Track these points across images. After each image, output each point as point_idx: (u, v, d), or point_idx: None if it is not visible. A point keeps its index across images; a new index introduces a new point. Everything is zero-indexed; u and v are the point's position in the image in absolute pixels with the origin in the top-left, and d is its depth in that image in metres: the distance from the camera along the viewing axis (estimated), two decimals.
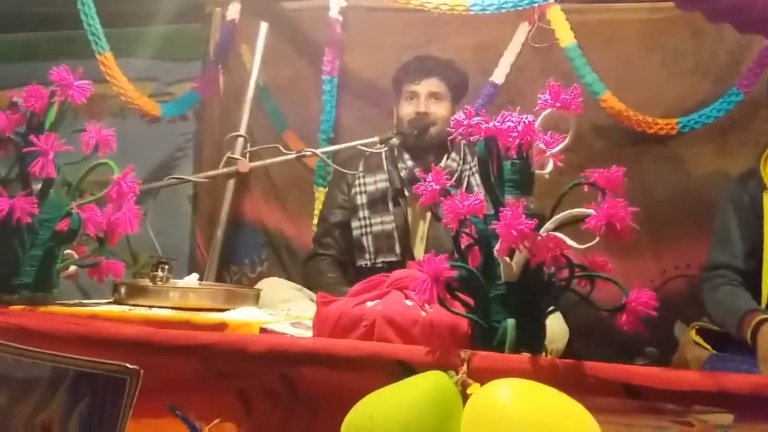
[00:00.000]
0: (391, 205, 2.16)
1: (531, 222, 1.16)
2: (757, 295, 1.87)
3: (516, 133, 1.28)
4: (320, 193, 2.57)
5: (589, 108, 2.54)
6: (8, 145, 1.46)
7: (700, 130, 2.43)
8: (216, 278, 2.61)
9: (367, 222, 2.16)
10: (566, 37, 2.54)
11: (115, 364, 1.20)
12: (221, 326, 1.35)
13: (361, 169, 2.23)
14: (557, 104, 1.29)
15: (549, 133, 1.35)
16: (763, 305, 1.86)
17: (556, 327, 1.94)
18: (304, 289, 2.09)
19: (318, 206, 2.55)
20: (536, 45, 2.62)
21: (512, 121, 1.29)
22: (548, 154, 1.33)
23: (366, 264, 2.12)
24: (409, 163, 2.20)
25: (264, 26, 2.56)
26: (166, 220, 2.98)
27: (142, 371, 1.15)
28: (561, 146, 1.32)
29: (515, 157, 1.30)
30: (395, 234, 2.11)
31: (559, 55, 2.54)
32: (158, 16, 2.94)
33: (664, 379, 1.07)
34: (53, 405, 1.23)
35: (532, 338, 1.23)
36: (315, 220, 2.52)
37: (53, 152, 1.41)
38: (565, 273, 1.24)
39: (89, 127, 1.51)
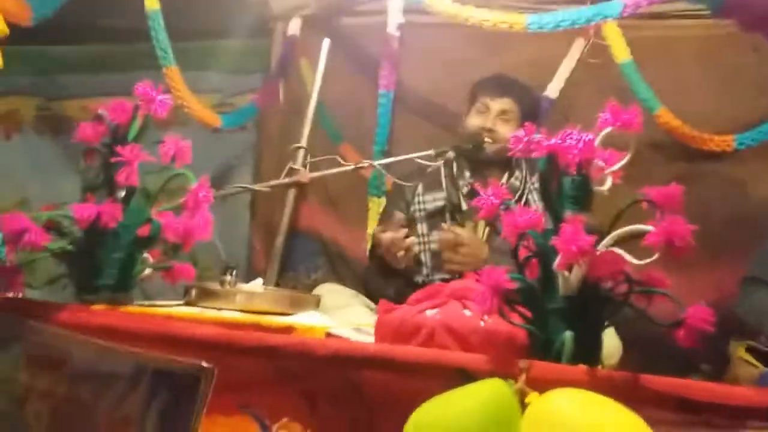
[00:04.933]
0: (449, 220, 2.19)
1: (591, 238, 1.20)
2: None
3: (576, 151, 1.32)
4: (374, 204, 2.64)
5: (645, 123, 2.57)
6: (95, 154, 1.56)
7: (756, 148, 2.42)
8: (275, 284, 2.70)
9: (426, 239, 2.20)
10: (621, 53, 2.55)
11: (191, 363, 1.27)
12: (289, 329, 1.42)
13: (420, 186, 2.26)
14: (618, 123, 1.33)
15: (608, 150, 1.38)
16: None
17: (610, 343, 1.95)
18: (360, 295, 2.14)
19: (372, 216, 2.61)
20: (591, 60, 2.65)
21: (573, 139, 1.33)
22: (607, 171, 1.36)
23: (423, 280, 2.14)
24: (470, 179, 2.23)
25: (326, 42, 2.64)
26: (225, 226, 3.10)
27: (215, 370, 1.23)
28: (621, 164, 1.36)
29: (575, 173, 1.34)
30: None
31: (614, 70, 2.56)
32: (224, 31, 3.06)
33: (718, 394, 1.10)
34: (132, 400, 1.31)
35: (588, 351, 1.27)
36: (369, 230, 2.59)
37: (137, 162, 1.50)
38: (623, 288, 1.27)
39: (167, 138, 1.60)
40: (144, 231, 1.53)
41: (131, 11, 2.55)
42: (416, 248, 2.17)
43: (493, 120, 2.20)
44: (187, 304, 1.65)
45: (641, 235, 1.23)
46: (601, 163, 1.37)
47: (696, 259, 2.43)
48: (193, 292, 1.65)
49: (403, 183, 2.26)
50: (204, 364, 1.25)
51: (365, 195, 2.76)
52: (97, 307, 1.46)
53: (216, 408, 1.26)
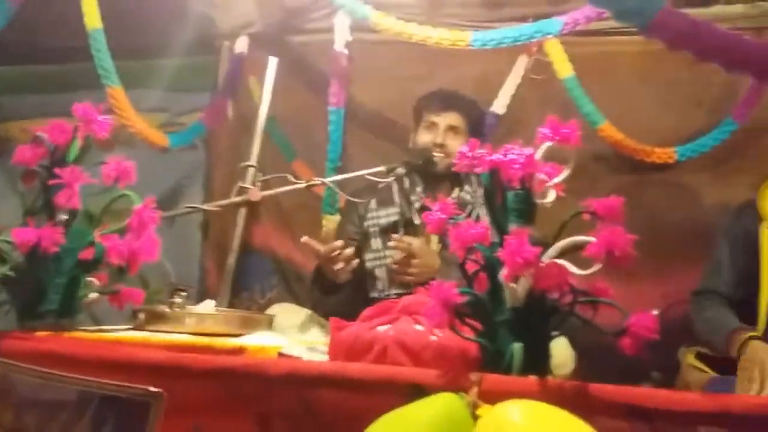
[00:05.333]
0: (402, 235, 2.20)
1: (535, 250, 1.22)
2: (750, 323, 1.94)
3: (518, 165, 1.34)
4: (328, 221, 2.63)
5: (589, 137, 2.64)
6: (33, 177, 1.53)
7: (696, 159, 2.51)
8: (228, 305, 2.67)
9: (381, 254, 2.21)
10: (564, 69, 2.62)
11: (139, 388, 1.25)
12: (240, 351, 1.41)
13: (373, 202, 2.27)
14: (557, 138, 1.37)
15: (550, 164, 1.42)
16: (760, 334, 1.93)
17: (563, 353, 1.98)
18: (314, 314, 2.14)
19: (324, 234, 2.61)
20: (535, 77, 2.71)
21: (515, 154, 1.36)
22: (550, 184, 1.40)
23: (378, 295, 2.14)
24: (422, 193, 2.25)
25: (273, 61, 2.64)
26: (177, 247, 3.06)
27: (165, 395, 1.21)
28: (561, 177, 1.39)
29: (518, 187, 1.36)
30: None
31: (558, 86, 2.62)
32: (169, 50, 3.03)
33: (667, 400, 1.12)
34: (79, 428, 1.28)
35: (538, 361, 1.29)
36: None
37: (78, 184, 1.47)
38: (569, 298, 1.30)
39: (110, 159, 1.57)
40: (87, 254, 1.50)
41: (73, 30, 2.51)
42: (370, 264, 2.18)
43: (443, 135, 2.23)
44: (136, 328, 1.63)
45: (584, 246, 1.26)
46: (543, 177, 1.41)
47: (644, 269, 2.54)
48: (142, 316, 1.62)
49: (355, 200, 2.27)
50: (152, 389, 1.23)
51: (319, 212, 2.75)
52: (41, 334, 1.43)
53: None
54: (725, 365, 1.90)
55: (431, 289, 1.27)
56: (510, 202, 1.36)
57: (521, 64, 2.73)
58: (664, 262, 2.50)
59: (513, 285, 1.27)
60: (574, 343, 1.98)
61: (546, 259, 1.29)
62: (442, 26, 2.52)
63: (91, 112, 1.54)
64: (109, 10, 2.48)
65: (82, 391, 1.29)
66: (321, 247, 1.93)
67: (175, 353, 1.30)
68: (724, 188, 2.51)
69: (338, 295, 2.09)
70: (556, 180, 1.38)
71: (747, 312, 1.96)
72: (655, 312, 1.37)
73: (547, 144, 1.40)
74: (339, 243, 1.95)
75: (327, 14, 2.80)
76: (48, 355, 1.30)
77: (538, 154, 1.39)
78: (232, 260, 2.40)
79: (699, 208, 2.55)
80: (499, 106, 2.73)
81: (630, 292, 2.50)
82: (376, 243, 2.21)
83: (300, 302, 2.49)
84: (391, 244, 2.09)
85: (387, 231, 2.22)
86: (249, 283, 2.78)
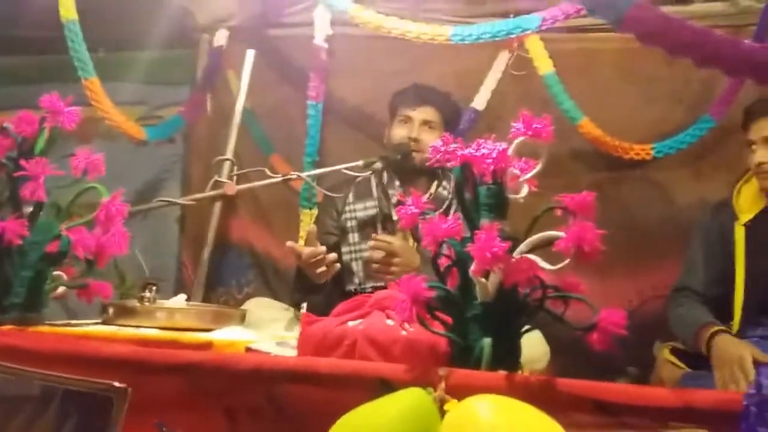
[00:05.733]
0: (380, 230, 2.19)
1: (504, 244, 1.21)
2: (726, 321, 1.95)
3: (490, 160, 1.34)
4: (305, 215, 2.62)
5: (568, 134, 2.65)
6: (0, 169, 1.50)
7: (675, 155, 2.51)
8: (203, 299, 2.65)
9: (357, 248, 2.20)
10: (544, 66, 2.62)
11: (103, 383, 1.23)
12: (207, 345, 1.39)
13: (351, 195, 2.26)
14: (529, 133, 1.36)
15: (523, 159, 1.41)
16: (734, 332, 1.94)
17: (538, 347, 1.98)
18: (291, 309, 2.12)
19: (303, 228, 2.59)
20: (516, 73, 2.71)
21: (487, 148, 1.35)
22: (522, 179, 1.39)
23: (355, 289, 2.13)
24: (399, 189, 2.24)
25: (251, 53, 2.62)
26: (154, 241, 3.03)
27: (129, 390, 1.19)
28: (534, 172, 1.38)
29: (490, 182, 1.35)
30: None
31: (538, 82, 2.62)
32: (149, 42, 3.00)
33: (634, 396, 1.12)
34: (42, 423, 1.26)
35: (507, 356, 1.28)
36: (301, 242, 2.56)
37: (43, 176, 1.45)
38: (539, 293, 1.29)
39: (79, 151, 1.55)
40: (53, 247, 1.48)
41: (50, 22, 2.48)
42: (347, 257, 2.17)
43: (418, 130, 2.22)
44: (105, 322, 1.60)
45: (555, 241, 1.25)
46: (516, 172, 1.40)
47: (620, 265, 2.55)
48: (111, 310, 1.60)
49: (332, 195, 2.25)
50: (116, 384, 1.22)
51: (297, 206, 2.74)
52: (5, 328, 1.40)
53: (132, 429, 1.22)
54: (699, 360, 1.92)
55: (401, 283, 1.26)
56: (482, 196, 1.35)
57: (502, 60, 2.73)
58: (640, 258, 2.51)
59: (483, 280, 1.27)
60: (550, 338, 1.99)
61: (517, 254, 1.29)
62: (423, 21, 2.51)
63: (58, 104, 1.51)
64: (91, 2, 2.45)
65: (45, 386, 1.27)
66: (303, 251, 1.91)
67: (141, 348, 1.28)
68: (701, 185, 2.52)
69: (320, 295, 2.08)
70: (529, 175, 1.37)
71: (723, 309, 1.97)
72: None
73: (520, 139, 1.39)
74: (322, 249, 1.93)
75: (307, 7, 2.79)
76: (11, 349, 1.28)
77: (511, 149, 1.38)
78: (206, 254, 2.37)
79: (676, 205, 2.57)
80: (480, 101, 2.73)
81: (606, 287, 2.53)
82: (353, 237, 2.20)
83: (278, 297, 2.47)
84: (371, 243, 2.08)
85: (364, 225, 2.21)
86: (227, 278, 2.77)
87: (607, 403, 1.12)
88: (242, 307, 1.99)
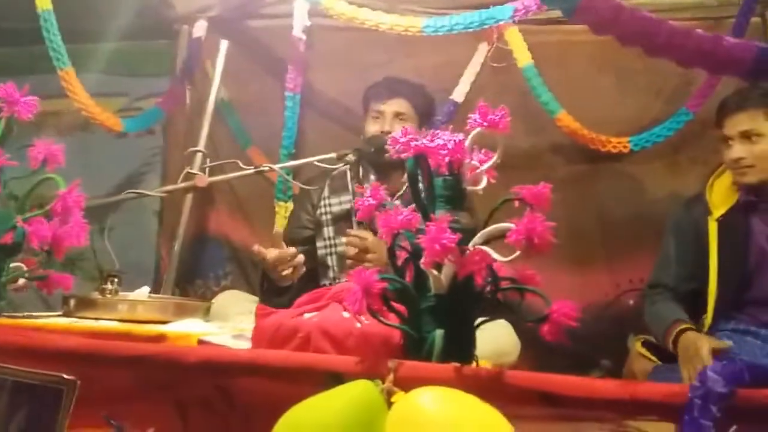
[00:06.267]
0: (355, 225, 2.18)
1: (454, 236, 1.20)
2: (699, 315, 1.94)
3: (446, 151, 1.32)
4: (280, 208, 2.61)
5: (547, 126, 2.64)
6: None
7: (651, 149, 2.50)
8: (181, 292, 2.65)
9: (332, 242, 2.18)
10: (523, 58, 2.60)
11: (52, 375, 1.23)
12: (160, 338, 1.38)
13: (326, 189, 2.24)
14: (484, 124, 1.34)
15: (483, 150, 1.40)
16: (707, 326, 1.93)
17: (508, 340, 1.97)
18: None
19: (278, 221, 2.58)
20: (495, 65, 2.69)
21: (442, 139, 1.34)
22: (480, 170, 1.38)
23: (329, 283, 2.11)
24: (375, 181, 2.22)
25: (224, 44, 2.61)
26: (134, 234, 3.03)
27: (79, 382, 1.18)
28: (491, 163, 1.37)
29: (446, 173, 1.34)
30: None
31: (517, 74, 2.61)
32: (128, 33, 3.00)
33: (579, 387, 1.11)
34: None
35: (460, 348, 1.27)
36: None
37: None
38: (492, 285, 1.28)
39: (37, 142, 1.54)
40: (8, 238, 1.47)
41: (27, 12, 2.46)
42: (322, 251, 2.16)
43: (390, 123, 2.20)
44: (65, 314, 1.59)
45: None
46: (475, 163, 1.39)
47: (597, 258, 2.55)
48: (71, 303, 1.60)
49: (307, 187, 2.24)
50: (66, 376, 1.21)
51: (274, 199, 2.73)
52: None
53: (82, 421, 1.22)
54: (671, 354, 1.91)
55: (353, 275, 1.25)
56: (437, 188, 1.34)
57: (481, 52, 2.72)
58: (615, 251, 2.51)
59: (435, 272, 1.26)
60: (521, 331, 1.98)
61: (471, 245, 1.27)
62: (395, 13, 2.49)
63: (14, 94, 1.50)
64: None
65: None
66: (268, 255, 1.88)
67: (91, 340, 1.27)
68: (677, 179, 2.52)
69: (285, 297, 2.06)
70: (486, 166, 1.36)
71: (697, 304, 1.97)
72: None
73: (477, 130, 1.37)
74: (290, 251, 1.90)
75: None
76: None
77: (468, 140, 1.36)
78: (177, 246, 2.36)
79: (652, 198, 2.56)
80: (459, 93, 2.72)
81: (583, 280, 2.53)
82: (328, 231, 2.18)
83: (254, 290, 2.47)
84: (344, 239, 2.07)
85: (339, 219, 2.19)
86: (204, 271, 2.76)
87: (553, 394, 1.11)
88: (213, 300, 1.99)
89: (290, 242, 2.25)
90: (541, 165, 2.58)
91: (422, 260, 1.24)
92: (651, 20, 1.16)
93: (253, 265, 2.75)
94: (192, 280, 2.74)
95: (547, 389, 1.12)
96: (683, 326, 1.83)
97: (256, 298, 2.15)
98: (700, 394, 1.00)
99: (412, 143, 1.32)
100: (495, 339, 1.86)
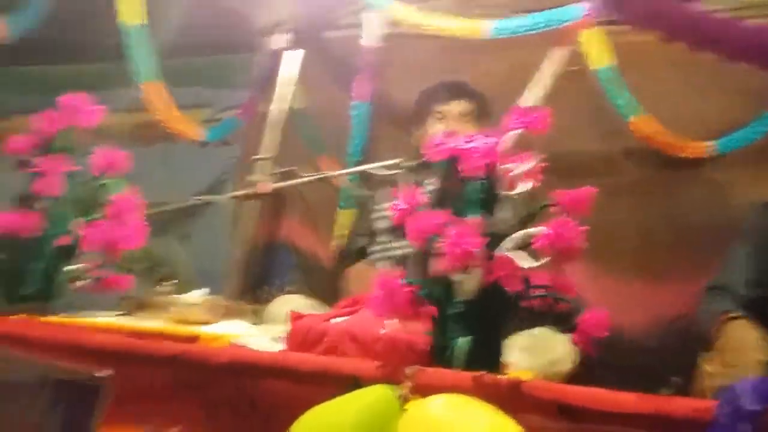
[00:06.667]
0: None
1: (477, 241, 1.17)
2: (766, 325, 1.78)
3: (478, 154, 1.29)
4: (341, 215, 2.63)
5: (621, 131, 2.52)
6: (25, 165, 1.60)
7: (733, 153, 2.34)
8: (250, 298, 2.70)
9: (386, 249, 2.18)
10: (598, 60, 2.49)
11: (92, 373, 1.29)
12: (193, 338, 1.42)
13: (382, 196, 2.24)
14: (522, 125, 1.30)
15: (520, 153, 1.35)
16: None
17: (562, 349, 1.89)
18: (318, 305, 2.12)
19: (337, 228, 2.60)
20: (569, 68, 2.60)
21: (476, 142, 1.31)
22: (516, 173, 1.33)
23: None
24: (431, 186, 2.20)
25: (298, 54, 2.66)
26: (212, 240, 3.15)
27: (113, 379, 1.23)
28: (527, 167, 1.32)
29: (479, 177, 1.31)
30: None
31: (591, 77, 2.51)
32: (211, 47, 3.13)
33: (599, 400, 1.05)
34: (34, 409, 1.33)
35: (486, 355, 1.23)
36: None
37: (60, 172, 1.52)
38: (523, 293, 1.24)
39: (98, 150, 1.62)
40: (65, 240, 1.55)
41: (108, 28, 2.61)
42: (376, 257, 2.16)
43: (455, 124, 2.18)
44: (122, 315, 1.66)
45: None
46: (514, 167, 1.34)
47: (672, 267, 2.40)
48: (127, 303, 1.67)
49: (366, 194, 2.25)
50: (102, 373, 1.27)
51: None
52: (17, 317, 1.48)
53: (115, 417, 1.27)
54: None
55: (377, 279, 1.24)
56: (469, 192, 1.31)
57: (554, 56, 2.63)
58: (694, 261, 2.34)
59: (460, 277, 1.22)
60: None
61: (501, 251, 1.23)
62: (462, 17, 2.46)
63: (78, 103, 1.59)
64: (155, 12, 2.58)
65: (40, 373, 1.35)
66: None
67: (122, 338, 1.32)
68: (761, 185, 2.33)
69: None
70: (519, 170, 1.31)
71: (764, 313, 1.81)
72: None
73: (516, 131, 1.33)
74: None
75: (358, 9, 2.81)
76: (8, 338, 1.35)
77: (503, 144, 1.32)
78: (242, 253, 2.42)
79: (733, 205, 2.38)
80: (529, 98, 2.64)
81: (662, 292, 2.38)
82: (383, 236, 2.18)
83: (315, 296, 2.48)
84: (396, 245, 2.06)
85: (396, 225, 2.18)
86: (272, 277, 2.81)
87: (569, 406, 1.05)
88: (271, 304, 2.01)
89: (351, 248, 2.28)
90: (614, 171, 2.46)
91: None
92: (692, 13, 1.08)
93: (317, 271, 2.79)
94: (261, 285, 2.79)
95: (567, 401, 1.07)
96: (732, 315, 1.66)
97: (311, 302, 2.17)
98: (727, 412, 0.91)
99: (446, 146, 1.29)
100: (546, 347, 1.79)
